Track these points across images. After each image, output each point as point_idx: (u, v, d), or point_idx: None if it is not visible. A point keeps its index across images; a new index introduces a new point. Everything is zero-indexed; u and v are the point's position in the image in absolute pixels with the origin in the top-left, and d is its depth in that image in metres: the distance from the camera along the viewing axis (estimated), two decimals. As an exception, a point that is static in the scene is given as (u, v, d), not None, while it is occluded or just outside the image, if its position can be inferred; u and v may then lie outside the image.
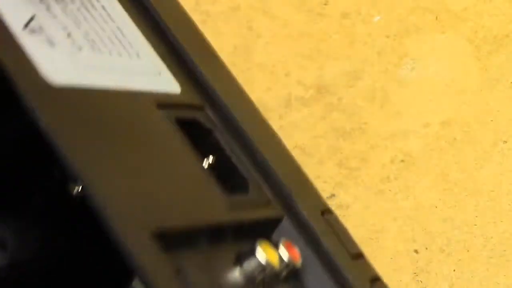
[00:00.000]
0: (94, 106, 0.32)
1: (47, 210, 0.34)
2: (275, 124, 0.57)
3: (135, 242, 0.28)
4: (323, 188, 0.54)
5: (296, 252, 0.34)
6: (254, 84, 0.58)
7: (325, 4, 0.61)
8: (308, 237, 0.36)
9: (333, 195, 0.54)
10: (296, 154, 0.57)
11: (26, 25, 0.32)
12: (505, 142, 0.57)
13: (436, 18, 0.61)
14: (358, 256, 0.37)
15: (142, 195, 0.30)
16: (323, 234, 0.36)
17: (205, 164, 0.35)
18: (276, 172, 0.37)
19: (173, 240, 0.30)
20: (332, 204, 0.53)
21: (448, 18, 0.61)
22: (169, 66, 0.37)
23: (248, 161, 0.36)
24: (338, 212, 0.54)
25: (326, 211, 0.38)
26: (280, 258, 0.33)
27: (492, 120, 0.57)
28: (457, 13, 0.61)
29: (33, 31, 0.32)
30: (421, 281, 0.52)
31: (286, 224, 0.35)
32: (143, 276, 0.27)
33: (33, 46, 0.31)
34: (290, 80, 0.58)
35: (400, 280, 0.52)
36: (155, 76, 0.36)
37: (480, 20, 0.61)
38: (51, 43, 0.32)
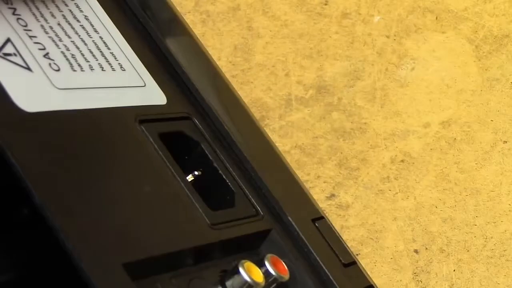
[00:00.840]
0: (69, 131, 0.31)
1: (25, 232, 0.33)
2: (275, 124, 0.57)
3: (104, 276, 0.27)
4: (323, 188, 0.54)
5: (283, 266, 0.33)
6: (254, 84, 0.58)
7: (325, 4, 0.61)
8: (297, 248, 0.35)
9: (333, 195, 0.54)
10: (296, 154, 0.57)
11: (0, 49, 0.31)
12: (505, 142, 0.57)
13: (436, 18, 0.61)
14: (350, 264, 0.36)
15: (115, 224, 0.29)
16: (313, 243, 0.35)
17: (191, 178, 0.34)
18: (266, 182, 0.36)
19: (148, 267, 0.29)
20: (332, 204, 0.53)
21: (448, 18, 0.61)
22: (156, 75, 0.36)
23: (237, 172, 0.36)
24: (338, 212, 0.54)
25: (317, 219, 0.37)
26: (266, 273, 0.32)
27: (492, 120, 0.57)
28: (457, 13, 0.61)
29: (7, 55, 0.31)
30: (421, 281, 0.52)
31: (274, 236, 0.35)
32: None
33: (6, 72, 0.30)
34: (290, 80, 0.58)
35: (400, 280, 0.52)
36: (139, 89, 0.35)
37: (480, 20, 0.61)
38: (26, 67, 0.31)
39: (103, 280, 0.26)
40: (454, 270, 0.52)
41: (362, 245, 0.53)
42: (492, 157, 0.56)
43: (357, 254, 0.50)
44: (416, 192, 0.55)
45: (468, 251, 0.53)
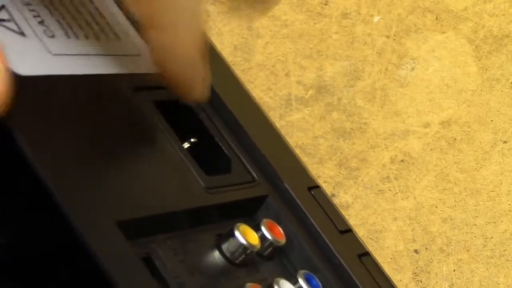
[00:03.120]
0: (64, 94, 0.31)
1: (17, 198, 0.33)
2: (275, 124, 0.57)
3: (97, 234, 0.27)
4: (323, 188, 0.54)
5: (279, 230, 0.34)
6: (254, 84, 0.58)
7: (325, 4, 0.61)
8: (293, 213, 0.35)
9: (333, 195, 0.54)
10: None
11: None
12: (505, 142, 0.57)
13: (436, 18, 0.61)
14: (346, 231, 0.36)
15: (110, 185, 0.29)
16: (310, 210, 0.35)
17: (187, 145, 0.34)
18: (262, 150, 0.36)
19: (144, 227, 0.29)
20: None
21: (448, 18, 0.61)
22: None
23: (233, 140, 0.36)
24: (338, 212, 0.54)
25: (313, 187, 0.37)
26: (262, 237, 0.33)
27: (492, 120, 0.57)
28: (457, 13, 0.61)
29: (1, 21, 0.31)
30: (421, 281, 0.52)
31: (270, 202, 0.35)
32: (105, 266, 0.26)
33: (1, 37, 0.30)
34: (290, 80, 0.58)
35: (400, 280, 0.52)
36: (134, 57, 0.35)
37: (480, 20, 0.61)
38: (20, 32, 0.31)
39: (96, 238, 0.26)
40: (454, 270, 0.52)
41: (362, 245, 0.53)
42: (492, 157, 0.56)
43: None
44: (416, 192, 0.55)
45: (468, 251, 0.53)
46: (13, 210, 0.32)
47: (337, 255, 0.34)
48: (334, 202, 0.54)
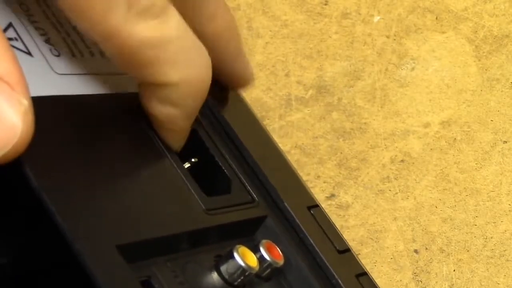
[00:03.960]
0: (67, 115, 0.31)
1: (17, 217, 0.33)
2: (275, 124, 0.57)
3: (97, 257, 0.27)
4: (323, 188, 0.54)
5: (278, 251, 0.34)
6: (254, 84, 0.58)
7: (325, 4, 0.61)
8: (292, 234, 0.35)
9: (333, 195, 0.54)
10: (296, 154, 0.57)
11: None
12: (505, 142, 0.57)
13: (436, 18, 0.61)
14: (345, 251, 0.37)
15: (111, 208, 0.29)
16: (309, 229, 0.35)
17: (187, 165, 0.35)
18: (263, 170, 0.36)
19: (143, 250, 0.29)
20: (332, 204, 0.53)
21: (448, 18, 0.61)
22: None
23: (233, 160, 0.36)
24: (338, 212, 0.54)
25: (312, 207, 0.37)
26: (261, 259, 0.33)
27: (492, 120, 0.57)
28: (457, 13, 0.61)
29: (9, 40, 0.31)
30: (421, 281, 0.52)
31: (270, 223, 0.35)
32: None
33: None
34: (290, 80, 0.58)
35: (400, 280, 0.52)
36: None
37: (480, 20, 0.61)
38: (27, 51, 0.32)
39: (97, 262, 0.27)
40: (454, 270, 0.52)
41: (362, 245, 0.53)
42: (492, 157, 0.56)
43: (357, 254, 0.50)
44: (416, 192, 0.55)
45: (468, 251, 0.53)
46: (14, 231, 0.32)
47: (335, 275, 0.34)
48: (334, 202, 0.54)
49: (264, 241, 0.33)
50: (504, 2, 0.61)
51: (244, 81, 0.40)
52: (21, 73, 0.26)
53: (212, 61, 0.33)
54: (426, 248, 0.53)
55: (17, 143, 0.25)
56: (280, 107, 0.57)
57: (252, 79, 0.40)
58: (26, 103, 0.26)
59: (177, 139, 0.34)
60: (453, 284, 0.52)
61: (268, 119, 0.57)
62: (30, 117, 0.26)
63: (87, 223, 0.28)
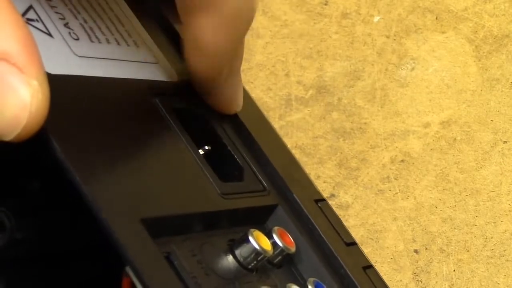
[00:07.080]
0: (88, 94, 0.32)
1: (44, 194, 0.34)
2: (275, 124, 0.57)
3: (123, 229, 0.27)
4: (323, 188, 0.54)
5: (290, 238, 0.34)
6: (254, 84, 0.58)
7: (325, 4, 0.61)
8: (302, 224, 0.36)
9: (333, 195, 0.54)
10: (296, 154, 0.57)
11: (23, 15, 0.32)
12: (505, 142, 0.57)
13: (436, 18, 0.61)
14: (352, 243, 0.37)
15: (133, 184, 0.30)
16: (317, 221, 0.36)
17: (201, 152, 0.35)
18: (272, 161, 0.37)
19: (164, 227, 0.30)
20: (332, 204, 0.53)
21: (448, 18, 0.61)
22: (167, 55, 0.37)
23: (244, 150, 0.37)
24: (338, 212, 0.54)
25: (320, 200, 0.38)
26: (274, 244, 0.33)
27: (492, 120, 0.57)
28: (457, 13, 0.61)
29: (30, 21, 0.32)
30: (421, 281, 0.52)
31: (280, 211, 0.36)
32: (131, 262, 0.27)
33: None
34: (290, 80, 0.58)
35: (400, 280, 0.52)
36: (152, 65, 0.36)
37: (480, 20, 0.61)
38: (48, 32, 0.32)
39: (122, 232, 0.27)
40: (454, 270, 0.52)
41: (362, 245, 0.53)
42: (492, 157, 0.56)
43: (357, 254, 0.50)
44: (416, 192, 0.55)
45: (468, 251, 0.53)
46: (38, 206, 0.33)
47: (344, 266, 0.35)
48: (334, 202, 0.54)
49: (276, 227, 0.33)
50: (504, 2, 0.61)
51: (234, 105, 0.39)
52: (32, 53, 0.26)
53: (207, 78, 0.34)
54: (426, 248, 0.53)
55: (28, 123, 0.26)
56: (280, 107, 0.57)
57: (239, 107, 0.39)
58: (35, 83, 0.26)
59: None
60: (453, 284, 0.52)
61: (268, 119, 0.57)
62: (41, 97, 0.26)
63: (112, 195, 0.28)
